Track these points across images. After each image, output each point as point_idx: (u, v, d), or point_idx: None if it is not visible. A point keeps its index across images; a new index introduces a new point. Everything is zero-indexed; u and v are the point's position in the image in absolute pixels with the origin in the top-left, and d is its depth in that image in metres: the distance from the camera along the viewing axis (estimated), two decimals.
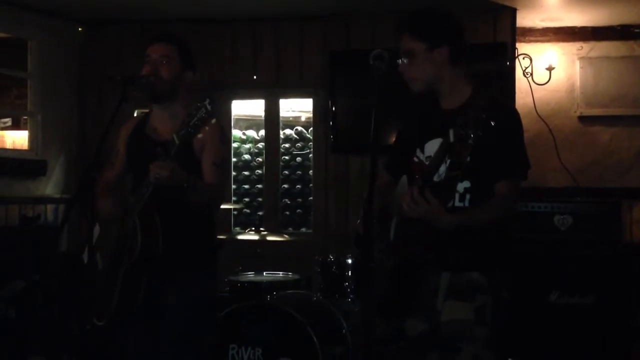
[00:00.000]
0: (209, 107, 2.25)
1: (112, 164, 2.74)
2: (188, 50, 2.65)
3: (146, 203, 2.41)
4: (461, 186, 2.23)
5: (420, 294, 2.25)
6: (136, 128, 2.69)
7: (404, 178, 2.30)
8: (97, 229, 2.63)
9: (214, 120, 2.28)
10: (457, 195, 2.24)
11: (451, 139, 1.99)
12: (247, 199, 5.79)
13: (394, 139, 2.55)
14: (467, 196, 2.24)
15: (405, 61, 2.28)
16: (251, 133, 5.98)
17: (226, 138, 2.67)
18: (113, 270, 2.48)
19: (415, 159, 2.32)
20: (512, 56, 4.68)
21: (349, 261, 3.82)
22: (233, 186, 5.48)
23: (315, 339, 3.34)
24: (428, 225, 2.13)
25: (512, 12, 4.66)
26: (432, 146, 2.28)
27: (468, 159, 2.00)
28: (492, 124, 1.95)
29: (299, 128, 5.87)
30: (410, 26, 2.29)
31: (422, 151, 2.32)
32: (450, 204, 2.18)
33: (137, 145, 2.65)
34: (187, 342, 2.54)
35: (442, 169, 2.18)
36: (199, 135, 2.33)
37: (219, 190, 2.61)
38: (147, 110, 2.76)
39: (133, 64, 2.63)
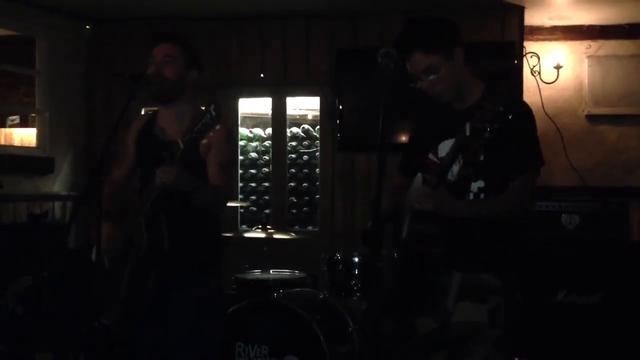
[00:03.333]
0: (213, 113, 2.25)
1: (121, 163, 2.75)
2: (192, 49, 2.65)
3: (152, 203, 2.42)
4: (475, 185, 2.23)
5: (431, 293, 2.25)
6: (144, 127, 2.70)
7: (418, 176, 2.29)
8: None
9: (218, 126, 2.28)
10: (471, 195, 2.24)
11: (467, 132, 1.98)
12: (253, 197, 5.80)
13: (406, 140, 2.54)
14: (482, 196, 2.24)
15: (430, 78, 2.24)
16: (258, 131, 5.98)
17: (232, 139, 2.67)
18: (119, 269, 2.49)
19: (430, 157, 2.31)
20: (519, 55, 4.67)
21: (356, 259, 3.82)
22: (240, 184, 5.49)
23: (321, 337, 3.35)
24: (439, 224, 2.12)
25: (520, 11, 4.65)
26: (446, 147, 2.26)
27: (481, 157, 2.00)
28: (510, 117, 1.94)
29: (306, 126, 5.87)
30: (420, 43, 2.23)
31: (436, 153, 2.31)
32: None
33: (145, 144, 2.66)
34: (194, 339, 2.54)
35: (455, 168, 2.18)
36: (204, 141, 2.34)
37: (225, 192, 2.61)
38: (155, 109, 2.77)
39: (141, 62, 2.63)
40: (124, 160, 2.75)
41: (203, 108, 2.28)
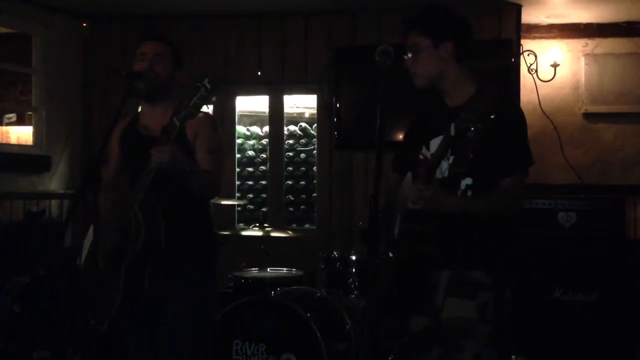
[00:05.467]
0: (208, 85, 2.22)
1: (107, 166, 2.75)
2: (178, 49, 2.68)
3: (146, 193, 2.39)
4: (463, 183, 2.24)
5: (423, 290, 2.26)
6: (127, 127, 2.70)
7: (408, 175, 2.30)
8: (88, 237, 2.64)
9: (214, 98, 2.26)
10: (458, 192, 2.25)
11: (452, 132, 2.00)
12: (250, 195, 5.80)
13: (402, 137, 2.55)
14: (469, 193, 2.25)
15: (410, 56, 2.30)
16: (255, 129, 5.98)
17: (217, 127, 2.68)
18: (115, 266, 2.47)
19: (421, 156, 2.32)
20: (517, 53, 4.67)
21: (353, 257, 3.83)
22: (237, 182, 5.49)
23: (318, 335, 3.35)
24: (431, 221, 2.13)
25: (517, 9, 4.65)
26: (437, 143, 2.28)
27: (471, 155, 2.01)
28: (492, 117, 1.95)
29: (303, 124, 5.87)
30: (416, 22, 2.31)
31: (428, 148, 2.33)
32: None
33: (130, 143, 2.66)
34: (189, 335, 2.54)
35: (445, 165, 2.19)
36: (193, 120, 2.31)
37: (216, 177, 2.60)
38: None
39: None
40: (110, 162, 2.74)
41: (197, 83, 2.24)
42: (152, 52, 2.58)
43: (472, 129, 1.95)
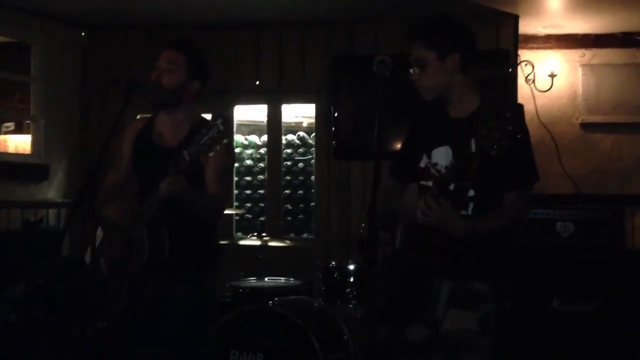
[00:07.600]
0: (221, 127, 2.24)
1: (115, 168, 2.74)
2: (199, 61, 2.65)
3: (153, 214, 2.41)
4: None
5: (423, 300, 2.25)
6: (142, 132, 2.70)
7: (413, 186, 2.29)
8: (99, 233, 2.63)
9: (225, 140, 2.28)
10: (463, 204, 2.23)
11: (473, 149, 1.97)
12: (249, 205, 5.80)
13: (400, 145, 2.54)
14: (471, 205, 2.23)
15: (416, 70, 2.28)
16: (253, 138, 5.99)
17: (232, 149, 2.67)
18: (118, 275, 2.48)
19: (425, 166, 2.30)
20: (514, 63, 4.69)
21: (351, 267, 3.82)
22: (235, 191, 5.49)
23: (316, 345, 3.34)
24: (438, 234, 2.12)
25: (515, 19, 4.67)
26: (439, 153, 2.28)
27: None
28: (519, 136, 1.93)
29: (301, 133, 5.88)
30: (422, 34, 2.28)
31: (429, 158, 2.31)
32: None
33: (143, 149, 2.66)
34: (188, 344, 2.55)
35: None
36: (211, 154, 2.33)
37: (221, 200, 2.62)
38: (148, 115, 2.77)
39: (136, 69, 2.64)
40: (119, 165, 2.74)
41: (211, 122, 2.26)
42: (164, 61, 2.57)
43: (496, 147, 1.92)
